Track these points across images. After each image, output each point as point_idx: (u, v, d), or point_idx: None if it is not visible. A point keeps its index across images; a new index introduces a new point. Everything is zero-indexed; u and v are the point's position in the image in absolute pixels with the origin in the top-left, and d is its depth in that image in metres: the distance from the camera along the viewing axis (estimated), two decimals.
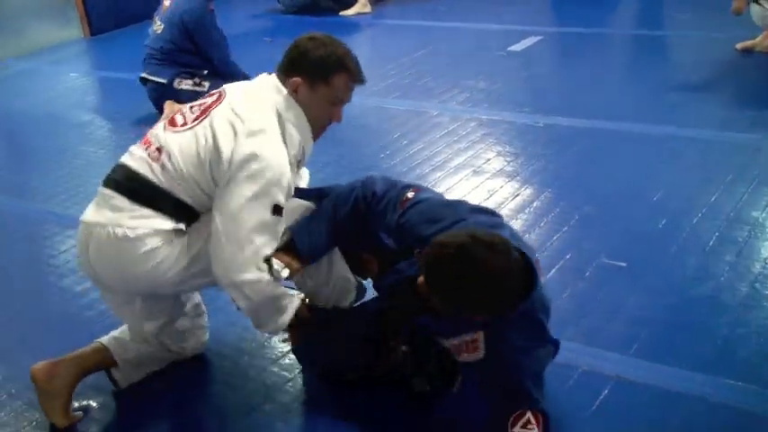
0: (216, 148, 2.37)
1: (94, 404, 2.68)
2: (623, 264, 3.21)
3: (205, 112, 2.48)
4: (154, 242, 2.43)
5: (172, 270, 2.46)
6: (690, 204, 3.64)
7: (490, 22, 7.19)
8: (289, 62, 2.52)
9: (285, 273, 2.46)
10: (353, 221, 2.51)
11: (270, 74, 2.57)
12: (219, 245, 2.36)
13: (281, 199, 2.36)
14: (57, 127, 5.72)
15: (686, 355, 2.66)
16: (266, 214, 2.34)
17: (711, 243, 3.31)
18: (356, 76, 2.53)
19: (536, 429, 2.20)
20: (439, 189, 3.93)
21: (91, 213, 2.53)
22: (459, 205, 2.43)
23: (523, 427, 2.20)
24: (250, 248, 2.33)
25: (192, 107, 2.55)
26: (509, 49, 6.50)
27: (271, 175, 2.33)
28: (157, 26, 5.45)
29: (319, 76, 2.47)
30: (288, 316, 2.47)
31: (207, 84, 5.30)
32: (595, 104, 5.07)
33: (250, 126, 2.38)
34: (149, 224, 2.43)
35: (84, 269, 2.64)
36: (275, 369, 2.78)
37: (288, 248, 2.49)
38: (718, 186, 3.78)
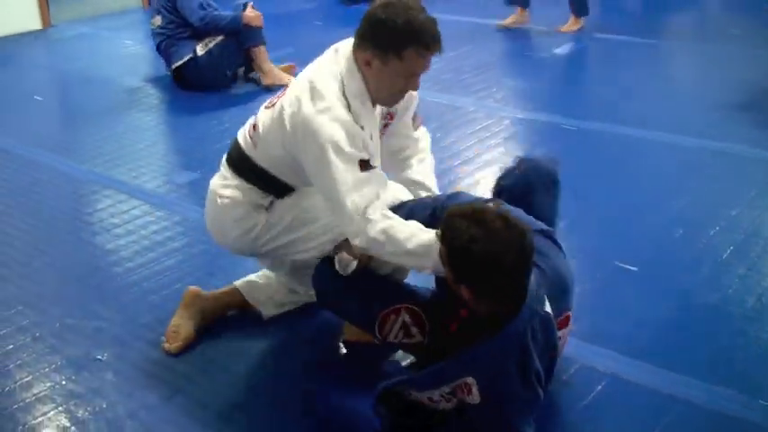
0: (281, 121, 2.45)
1: (107, 355, 2.82)
2: (634, 268, 3.27)
3: (284, 89, 2.57)
4: (238, 212, 2.64)
5: (262, 238, 2.65)
6: (709, 216, 3.68)
7: (539, 24, 7.22)
8: (361, 34, 2.42)
9: (353, 266, 2.50)
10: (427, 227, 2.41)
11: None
12: (335, 216, 2.42)
13: (362, 155, 2.34)
14: (107, 91, 5.89)
15: (683, 360, 2.72)
16: (356, 173, 2.32)
17: (725, 255, 3.35)
18: (432, 48, 2.37)
19: None
20: (466, 182, 4.03)
21: (213, 179, 2.77)
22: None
23: None
24: (356, 216, 2.32)
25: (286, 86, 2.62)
26: (554, 51, 6.53)
27: (339, 137, 2.32)
28: (156, 21, 5.69)
29: (392, 51, 2.35)
30: (436, 246, 2.25)
31: (216, 38, 5.56)
32: (632, 112, 5.08)
33: (312, 94, 2.38)
34: (234, 194, 2.64)
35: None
36: (286, 335, 2.90)
37: None
38: (740, 201, 3.81)
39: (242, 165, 2.64)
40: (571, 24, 7.00)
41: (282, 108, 2.46)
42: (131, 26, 7.98)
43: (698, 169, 4.26)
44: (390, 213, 2.38)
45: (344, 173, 2.32)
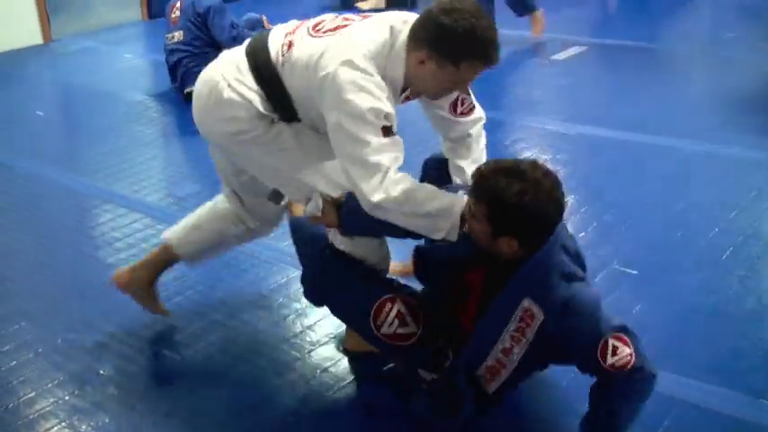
0: (317, 65, 2.35)
1: (109, 369, 2.83)
2: (634, 272, 3.28)
3: (337, 29, 2.43)
4: (241, 114, 2.50)
5: (245, 146, 2.55)
6: (708, 218, 3.69)
7: None
8: (419, 35, 2.34)
9: (311, 208, 2.50)
10: None
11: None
12: (348, 175, 2.34)
13: (383, 123, 2.29)
14: (108, 105, 5.91)
15: (684, 363, 2.73)
16: (378, 140, 2.29)
17: (724, 257, 3.37)
18: (491, 62, 2.33)
19: (627, 348, 2.16)
20: None
21: (227, 54, 2.66)
22: None
23: (613, 354, 2.16)
24: (376, 173, 2.28)
25: (336, 18, 2.50)
26: (552, 57, 6.57)
27: (366, 106, 2.26)
28: (177, 37, 5.62)
29: (450, 59, 2.30)
30: (456, 209, 2.29)
31: None
32: (630, 117, 5.11)
33: (352, 60, 2.30)
34: (248, 95, 2.49)
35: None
36: (286, 348, 2.90)
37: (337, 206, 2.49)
38: (739, 203, 3.83)
39: (265, 72, 2.48)
40: (535, 25, 6.99)
41: (319, 57, 2.35)
42: (131, 39, 8.03)
43: (696, 172, 4.28)
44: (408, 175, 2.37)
45: (368, 135, 2.28)
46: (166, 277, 3.29)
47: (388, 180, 2.28)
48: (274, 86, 2.48)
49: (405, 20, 2.42)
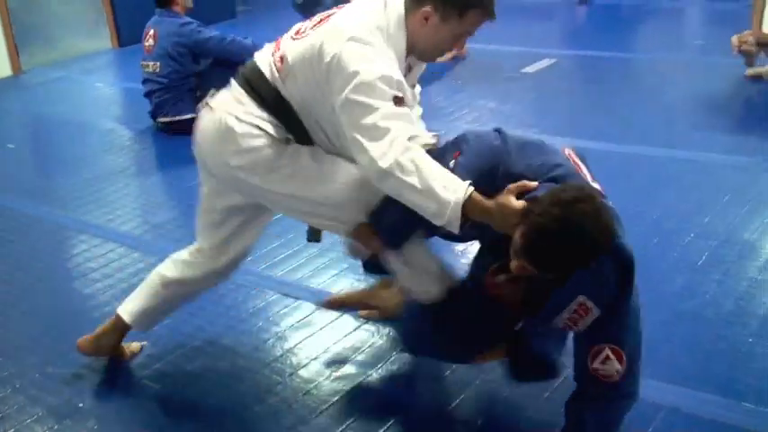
0: (320, 52, 2.33)
1: (88, 402, 2.80)
2: None
3: (322, 21, 2.44)
4: (256, 142, 2.45)
5: (267, 175, 2.48)
6: (684, 224, 3.72)
7: (507, 44, 7.28)
8: None
9: (364, 254, 2.51)
10: None
11: None
12: (356, 144, 2.29)
13: (395, 93, 2.28)
14: (80, 134, 5.89)
15: (666, 369, 2.74)
16: (390, 107, 2.26)
17: (701, 262, 3.39)
18: (491, 14, 2.42)
19: (618, 366, 2.19)
20: None
21: (216, 98, 2.60)
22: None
23: (602, 363, 2.19)
24: (385, 136, 2.24)
25: (313, 18, 2.50)
26: (522, 70, 6.61)
27: (376, 74, 2.26)
28: (152, 67, 5.55)
29: (456, 9, 2.37)
30: (462, 187, 2.19)
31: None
32: (602, 127, 5.15)
33: (353, 33, 2.31)
34: (258, 123, 2.45)
35: (195, 151, 2.66)
36: (267, 372, 2.88)
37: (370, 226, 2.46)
38: (713, 208, 3.86)
39: (267, 95, 2.47)
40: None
41: (320, 44, 2.34)
42: (102, 68, 8.01)
43: (671, 179, 4.32)
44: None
45: (378, 102, 2.26)
46: None
47: (397, 145, 2.23)
48: (279, 106, 2.46)
49: None
